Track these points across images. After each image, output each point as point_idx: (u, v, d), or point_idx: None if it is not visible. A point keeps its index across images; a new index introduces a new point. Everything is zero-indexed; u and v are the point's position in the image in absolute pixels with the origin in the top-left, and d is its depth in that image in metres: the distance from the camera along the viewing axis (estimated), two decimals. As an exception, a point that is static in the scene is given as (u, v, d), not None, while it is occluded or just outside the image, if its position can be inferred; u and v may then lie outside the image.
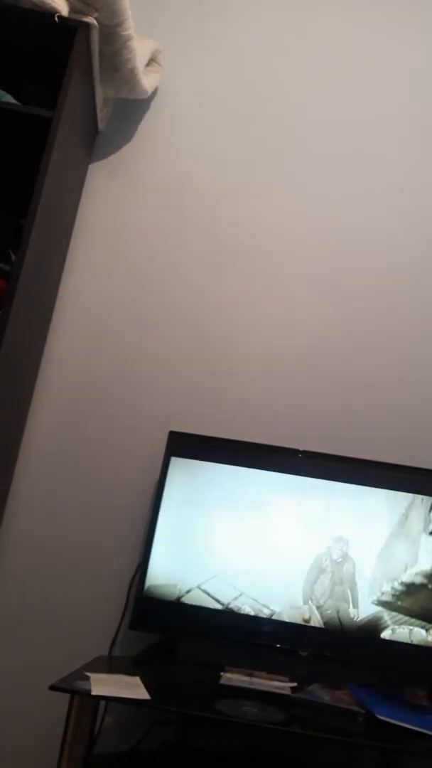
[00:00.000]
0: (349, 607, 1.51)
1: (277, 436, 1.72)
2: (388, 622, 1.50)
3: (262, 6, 2.19)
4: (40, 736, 1.57)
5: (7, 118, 1.62)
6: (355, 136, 2.06)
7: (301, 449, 1.62)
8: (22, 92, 1.69)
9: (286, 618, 1.50)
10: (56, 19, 1.59)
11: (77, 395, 1.81)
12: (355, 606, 1.51)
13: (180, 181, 2.00)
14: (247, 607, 1.51)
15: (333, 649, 1.49)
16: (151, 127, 2.05)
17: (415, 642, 1.48)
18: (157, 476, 1.64)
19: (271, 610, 1.51)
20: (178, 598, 1.52)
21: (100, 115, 1.92)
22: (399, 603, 1.51)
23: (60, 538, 1.71)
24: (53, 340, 1.84)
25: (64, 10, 1.61)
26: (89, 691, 1.17)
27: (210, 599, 1.52)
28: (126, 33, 1.71)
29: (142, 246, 1.94)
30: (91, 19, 1.63)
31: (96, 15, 1.63)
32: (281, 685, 1.38)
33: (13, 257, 1.58)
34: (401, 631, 1.49)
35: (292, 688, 1.38)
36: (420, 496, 1.57)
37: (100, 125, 1.97)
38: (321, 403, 1.82)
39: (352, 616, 1.50)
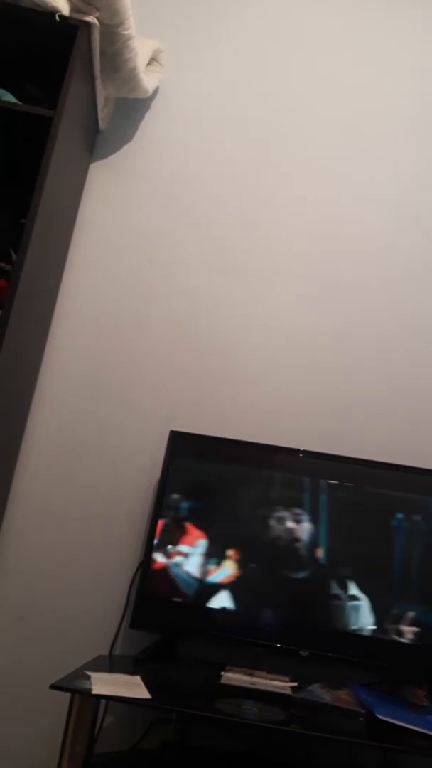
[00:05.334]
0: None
1: (279, 436, 1.72)
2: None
3: (263, 6, 2.19)
4: (40, 736, 1.57)
5: (8, 118, 1.62)
6: (356, 135, 2.07)
7: (302, 449, 1.63)
8: (23, 92, 1.69)
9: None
10: (57, 18, 1.59)
11: (78, 395, 1.81)
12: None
13: (181, 180, 2.00)
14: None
15: (333, 649, 1.49)
16: (152, 126, 2.05)
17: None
18: (158, 476, 1.65)
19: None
20: (179, 598, 1.52)
21: (101, 115, 1.93)
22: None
23: (60, 537, 1.71)
24: (54, 339, 1.84)
25: (65, 9, 1.61)
26: (90, 690, 1.16)
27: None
28: (127, 32, 1.71)
29: (142, 245, 1.94)
30: (92, 19, 1.63)
31: (97, 14, 1.64)
32: (282, 685, 1.38)
33: (14, 257, 1.58)
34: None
35: (292, 687, 1.38)
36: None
37: (101, 125, 1.97)
38: (322, 402, 1.82)
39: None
